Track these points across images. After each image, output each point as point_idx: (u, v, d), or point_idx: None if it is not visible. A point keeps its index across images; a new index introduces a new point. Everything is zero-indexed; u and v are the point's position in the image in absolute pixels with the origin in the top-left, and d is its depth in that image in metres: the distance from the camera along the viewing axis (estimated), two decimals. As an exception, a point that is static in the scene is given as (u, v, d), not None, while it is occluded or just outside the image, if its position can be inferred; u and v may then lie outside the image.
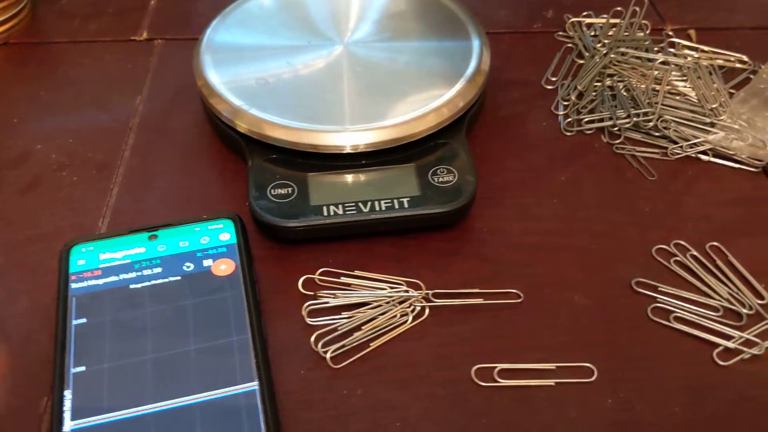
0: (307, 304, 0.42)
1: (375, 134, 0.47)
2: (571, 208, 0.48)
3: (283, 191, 0.45)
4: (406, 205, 0.44)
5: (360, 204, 0.45)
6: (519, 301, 0.42)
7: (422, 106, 0.48)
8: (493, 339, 0.41)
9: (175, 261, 0.41)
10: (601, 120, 0.53)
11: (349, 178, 0.47)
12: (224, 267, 0.41)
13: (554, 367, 0.39)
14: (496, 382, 0.39)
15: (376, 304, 0.41)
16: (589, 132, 0.53)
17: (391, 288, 0.42)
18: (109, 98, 0.56)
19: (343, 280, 0.43)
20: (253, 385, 0.36)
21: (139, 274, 0.41)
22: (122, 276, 0.41)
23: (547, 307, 0.42)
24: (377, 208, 0.44)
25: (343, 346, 0.39)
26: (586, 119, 0.53)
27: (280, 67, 0.51)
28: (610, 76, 0.56)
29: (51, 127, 0.53)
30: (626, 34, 0.60)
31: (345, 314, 0.41)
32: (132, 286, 0.40)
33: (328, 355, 0.39)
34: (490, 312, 0.42)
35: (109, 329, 0.38)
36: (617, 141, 0.52)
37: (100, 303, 0.39)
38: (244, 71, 0.51)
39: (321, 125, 0.47)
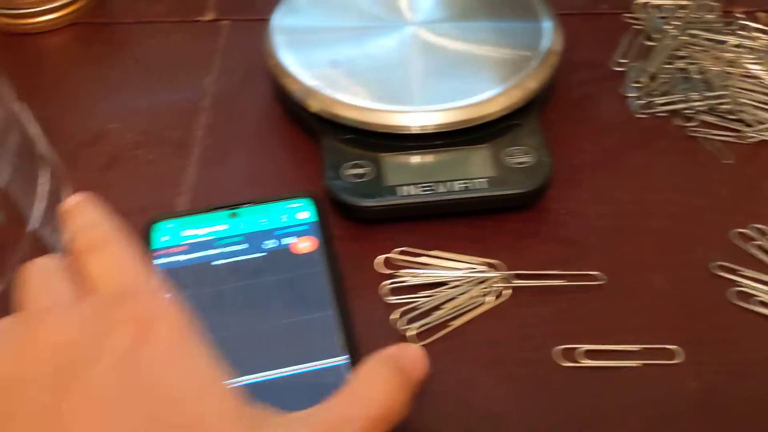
0: (385, 282, 0.42)
1: (447, 115, 0.47)
2: (647, 191, 0.47)
3: (358, 171, 0.45)
4: (482, 186, 0.44)
5: (436, 184, 0.45)
6: (599, 283, 0.42)
7: (495, 87, 0.48)
8: (574, 321, 0.41)
9: (256, 238, 0.42)
10: (675, 103, 0.52)
11: (423, 158, 0.47)
12: (305, 245, 0.41)
13: (637, 349, 0.39)
14: (578, 363, 0.39)
15: (455, 283, 0.42)
16: (661, 115, 0.52)
17: (470, 268, 0.42)
18: (178, 79, 0.56)
19: (421, 259, 0.43)
20: (343, 358, 0.36)
21: (222, 250, 0.41)
22: (205, 252, 0.41)
23: (627, 290, 0.42)
24: (453, 189, 0.44)
25: (426, 324, 0.40)
26: (660, 101, 0.52)
27: (350, 47, 0.51)
28: (682, 58, 0.55)
29: (123, 107, 0.54)
30: (695, 16, 0.59)
31: (423, 293, 0.41)
32: (215, 263, 0.41)
33: (410, 333, 0.39)
34: (570, 294, 0.42)
35: (194, 304, 0.39)
36: (691, 124, 0.51)
37: (183, 278, 0.40)
38: (314, 51, 0.51)
39: (393, 105, 0.47)
